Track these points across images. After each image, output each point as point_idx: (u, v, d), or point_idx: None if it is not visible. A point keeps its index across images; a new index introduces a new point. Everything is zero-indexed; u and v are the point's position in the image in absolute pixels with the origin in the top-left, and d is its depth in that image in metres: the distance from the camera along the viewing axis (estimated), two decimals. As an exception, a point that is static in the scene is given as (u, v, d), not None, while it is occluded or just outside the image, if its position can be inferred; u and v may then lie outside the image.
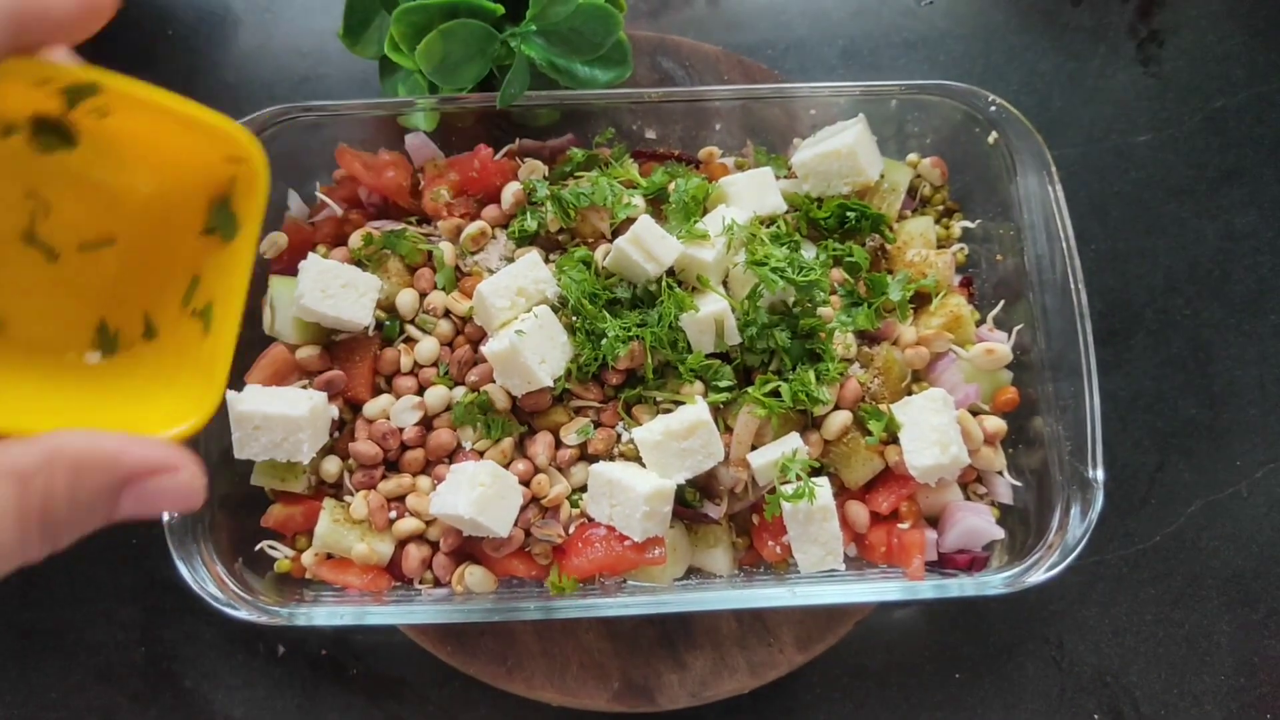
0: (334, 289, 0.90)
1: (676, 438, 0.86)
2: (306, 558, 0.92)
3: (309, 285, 0.89)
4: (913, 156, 1.02)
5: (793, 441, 0.88)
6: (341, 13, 0.97)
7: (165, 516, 0.83)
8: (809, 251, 0.95)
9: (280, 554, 0.93)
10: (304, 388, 0.92)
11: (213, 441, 0.88)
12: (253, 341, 0.95)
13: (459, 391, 0.92)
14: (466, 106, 0.96)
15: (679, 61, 1.11)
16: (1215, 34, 1.17)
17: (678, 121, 1.03)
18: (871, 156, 0.96)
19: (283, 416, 0.86)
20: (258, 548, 0.92)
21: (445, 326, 0.94)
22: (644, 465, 0.88)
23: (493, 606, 0.88)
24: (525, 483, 0.89)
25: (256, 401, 0.86)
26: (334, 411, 0.92)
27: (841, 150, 0.93)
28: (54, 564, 1.01)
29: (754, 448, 0.89)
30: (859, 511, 0.91)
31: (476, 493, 0.83)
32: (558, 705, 0.96)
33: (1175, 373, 1.08)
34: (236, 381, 0.92)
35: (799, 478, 0.86)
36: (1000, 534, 0.91)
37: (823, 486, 0.87)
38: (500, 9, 0.91)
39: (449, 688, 1.00)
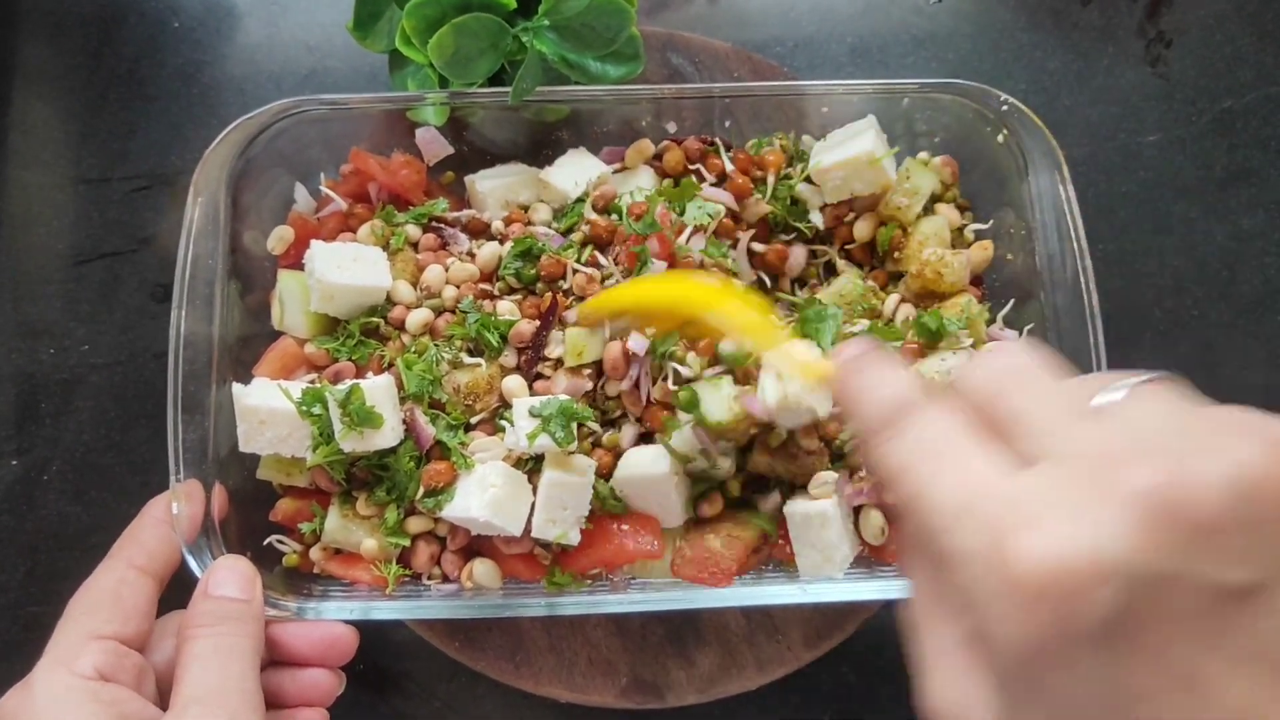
0: (346, 263, 0.90)
1: None
2: (314, 552, 0.92)
3: (323, 264, 0.89)
4: (923, 155, 1.02)
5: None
6: (347, 6, 0.97)
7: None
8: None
9: (288, 548, 0.93)
10: (312, 382, 0.91)
11: (223, 435, 0.88)
12: (262, 336, 0.95)
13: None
14: (478, 101, 0.96)
15: (689, 57, 1.11)
16: (1223, 35, 1.17)
17: (686, 118, 1.03)
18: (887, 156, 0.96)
19: (287, 411, 0.85)
20: (266, 542, 0.92)
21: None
22: None
23: (501, 602, 0.88)
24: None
25: (262, 395, 0.86)
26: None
27: (861, 156, 0.93)
28: (60, 555, 1.01)
29: None
30: (874, 518, 0.89)
31: (489, 494, 0.82)
32: (566, 701, 0.96)
33: (1183, 373, 1.07)
34: (245, 375, 0.92)
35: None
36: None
37: (824, 494, 0.85)
38: (513, 3, 0.91)
39: (456, 683, 1.00)
